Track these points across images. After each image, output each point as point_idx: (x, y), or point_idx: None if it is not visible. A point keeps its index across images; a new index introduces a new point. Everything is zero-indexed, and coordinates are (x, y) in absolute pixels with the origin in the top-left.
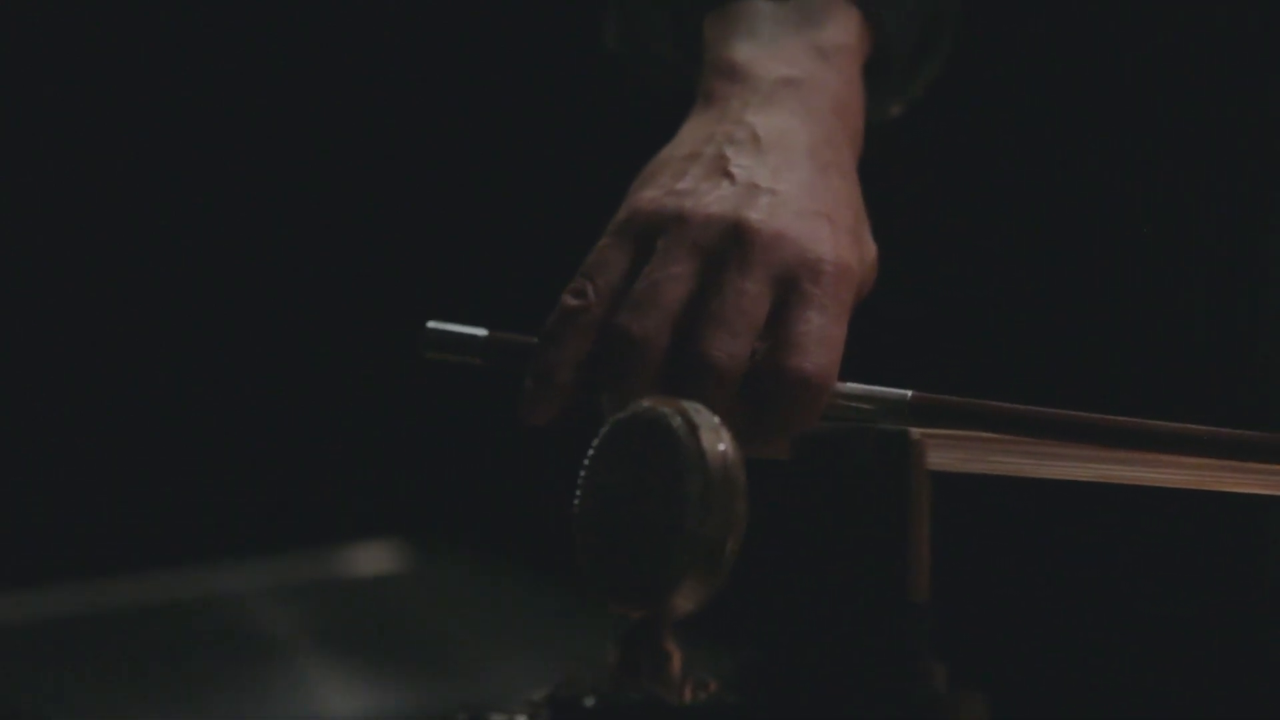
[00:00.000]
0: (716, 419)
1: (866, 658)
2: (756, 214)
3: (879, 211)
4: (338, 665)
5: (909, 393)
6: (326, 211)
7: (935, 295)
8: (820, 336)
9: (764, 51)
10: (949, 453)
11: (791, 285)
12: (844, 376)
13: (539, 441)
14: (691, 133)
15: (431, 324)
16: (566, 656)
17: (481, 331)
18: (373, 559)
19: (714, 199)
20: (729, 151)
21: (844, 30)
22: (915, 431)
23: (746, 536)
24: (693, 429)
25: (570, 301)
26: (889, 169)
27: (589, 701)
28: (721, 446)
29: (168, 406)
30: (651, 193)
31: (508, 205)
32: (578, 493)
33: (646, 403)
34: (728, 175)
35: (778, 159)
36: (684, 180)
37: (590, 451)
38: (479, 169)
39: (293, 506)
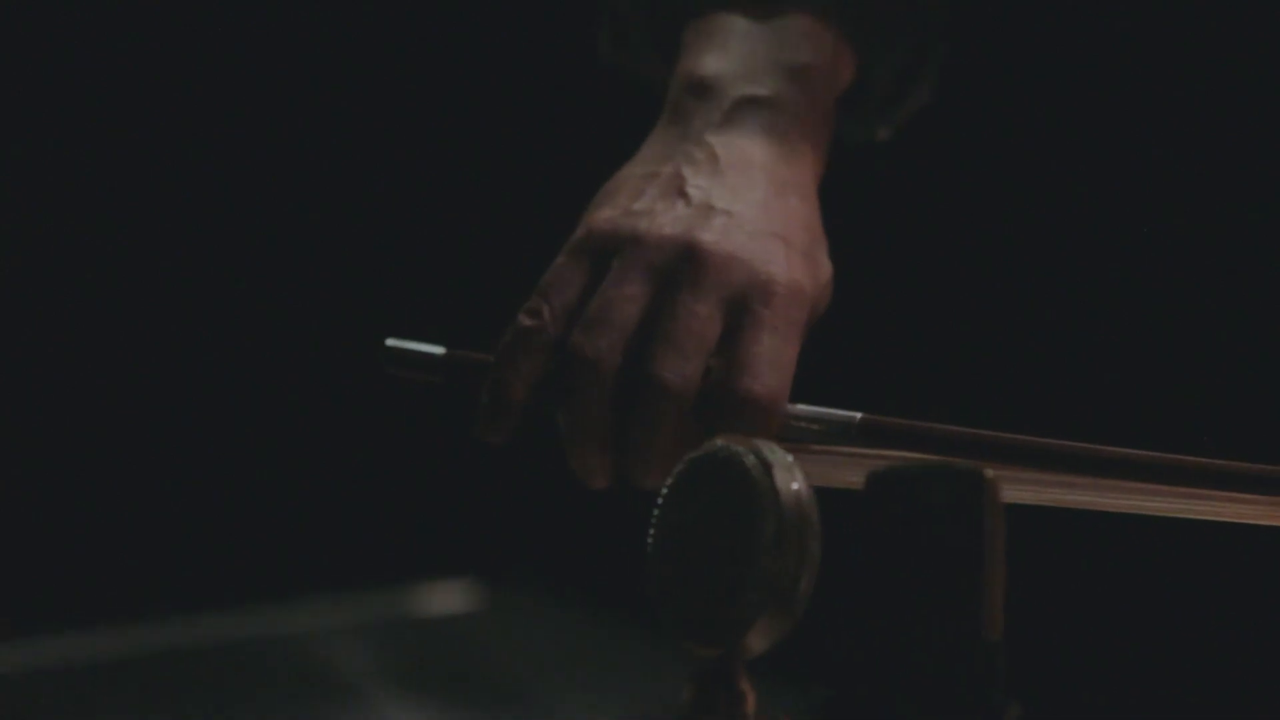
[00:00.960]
0: (790, 457)
1: (941, 696)
2: (710, 235)
3: (856, 230)
4: (410, 704)
5: (858, 414)
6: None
7: (903, 314)
8: (771, 358)
9: (733, 68)
10: (1018, 488)
11: (743, 306)
12: (808, 396)
13: (615, 479)
14: (652, 150)
15: (390, 341)
16: (640, 696)
17: (439, 349)
18: (446, 598)
19: (669, 220)
20: (686, 171)
21: (816, 52)
22: (989, 469)
23: (820, 575)
24: (766, 467)
25: (525, 321)
26: (860, 185)
27: None
28: (795, 485)
29: (243, 445)
30: (607, 212)
31: (489, 219)
32: (651, 531)
33: (720, 441)
34: (683, 195)
35: (735, 179)
36: (640, 200)
37: (664, 490)
38: (458, 181)
39: (366, 545)
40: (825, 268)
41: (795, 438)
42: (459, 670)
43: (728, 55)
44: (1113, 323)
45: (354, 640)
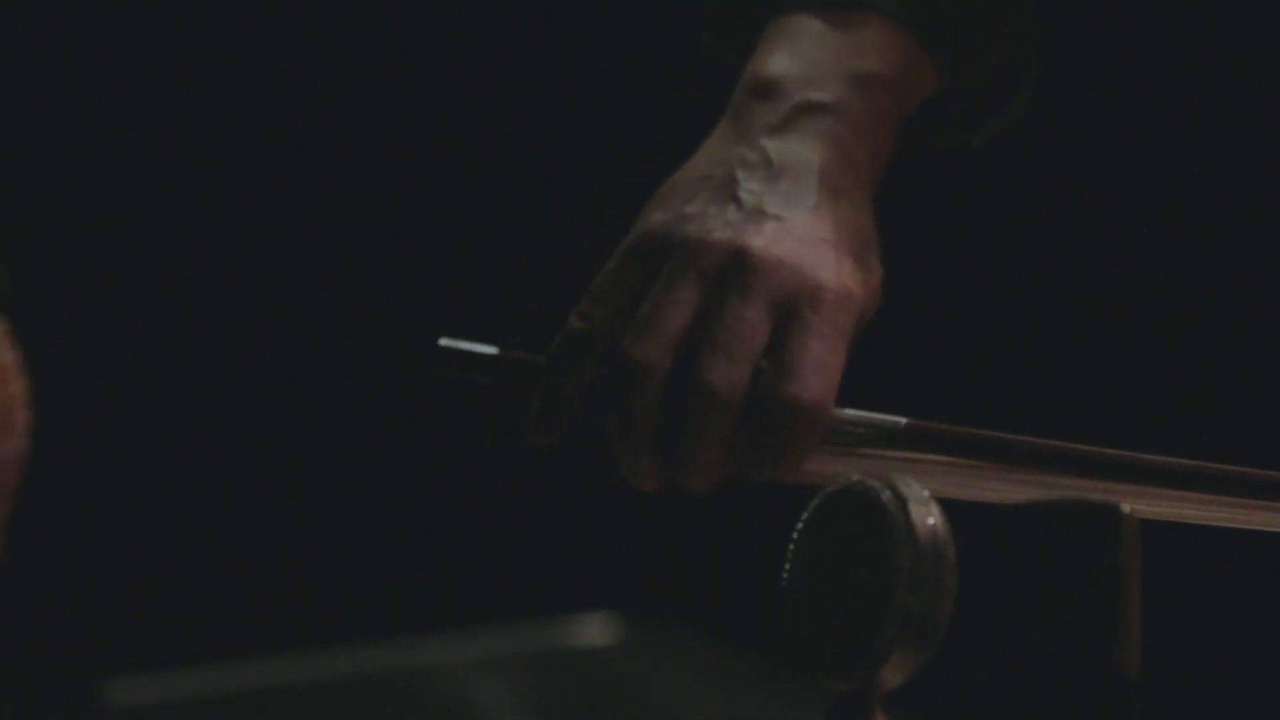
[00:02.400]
0: (926, 492)
1: None
2: (759, 240)
3: (912, 235)
4: None
5: (903, 420)
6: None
7: (957, 320)
8: (818, 364)
9: (798, 71)
10: (1152, 503)
11: (791, 312)
12: (856, 400)
13: (752, 515)
14: (708, 152)
15: (444, 341)
16: None
17: (492, 350)
18: (588, 631)
19: (719, 224)
20: (740, 175)
21: (887, 61)
22: (1126, 505)
23: (956, 609)
24: (902, 503)
25: (576, 324)
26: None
27: None
28: (931, 520)
29: (391, 479)
30: (660, 216)
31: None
32: (787, 565)
33: (856, 476)
34: (735, 200)
35: (788, 184)
36: (692, 204)
37: (800, 524)
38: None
39: (509, 579)
40: (875, 272)
41: (842, 442)
42: (598, 703)
43: (795, 57)
44: (1131, 324)
45: (496, 673)
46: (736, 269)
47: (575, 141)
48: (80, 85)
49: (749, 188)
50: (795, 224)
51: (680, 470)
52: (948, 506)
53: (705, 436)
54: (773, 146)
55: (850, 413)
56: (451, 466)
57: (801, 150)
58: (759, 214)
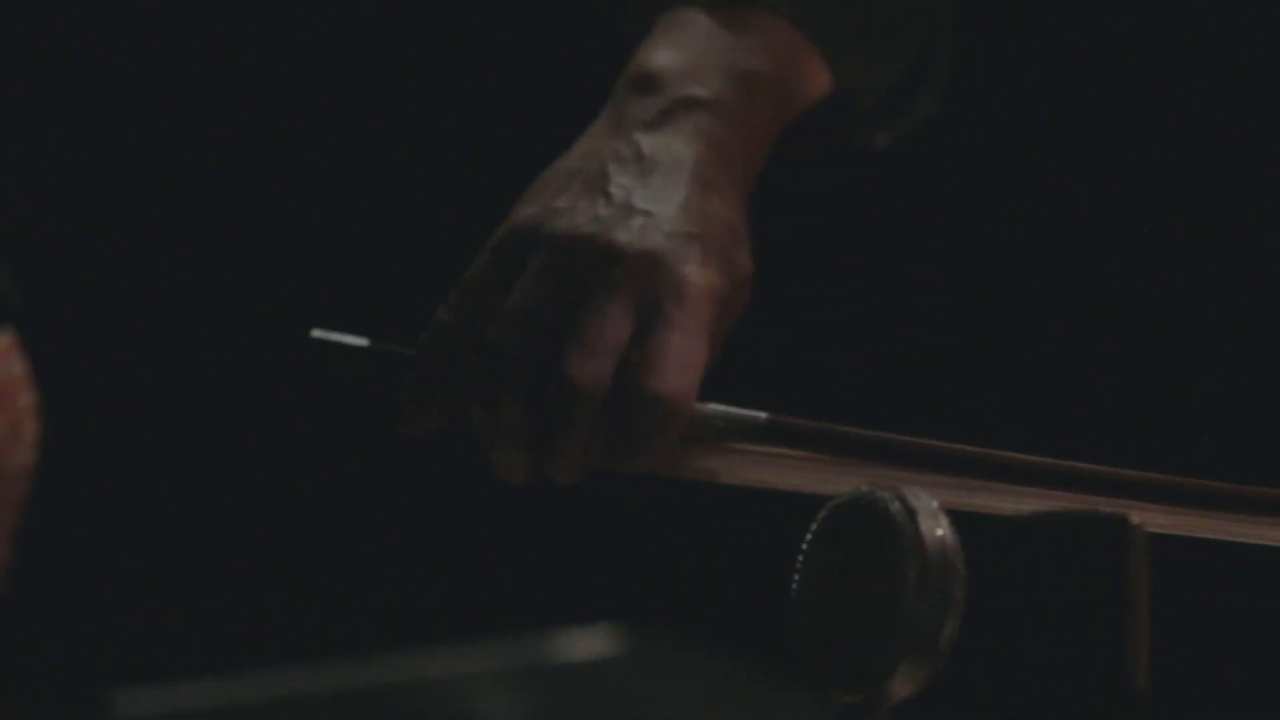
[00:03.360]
0: (935, 503)
1: None
2: (625, 235)
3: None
4: None
5: (764, 414)
6: None
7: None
8: (679, 358)
9: (681, 65)
10: (1163, 517)
11: (655, 306)
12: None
13: (755, 526)
14: (584, 145)
15: (316, 332)
16: None
17: (362, 341)
18: (591, 643)
19: (587, 219)
20: (612, 169)
21: (773, 60)
22: (1135, 515)
23: (963, 621)
24: (910, 514)
25: (444, 317)
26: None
27: None
28: (940, 531)
29: (391, 490)
30: (530, 210)
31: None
32: (795, 576)
33: (864, 487)
34: (605, 195)
35: (659, 180)
36: (562, 198)
37: (808, 535)
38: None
39: (511, 591)
40: (742, 267)
41: (704, 436)
42: (601, 715)
43: (680, 51)
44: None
45: (499, 685)
46: (601, 264)
47: (460, 135)
48: (85, 97)
49: (620, 182)
50: (663, 219)
51: (546, 462)
52: (956, 518)
53: (568, 429)
54: (646, 141)
55: (712, 407)
56: (455, 478)
57: (675, 145)
58: (627, 209)
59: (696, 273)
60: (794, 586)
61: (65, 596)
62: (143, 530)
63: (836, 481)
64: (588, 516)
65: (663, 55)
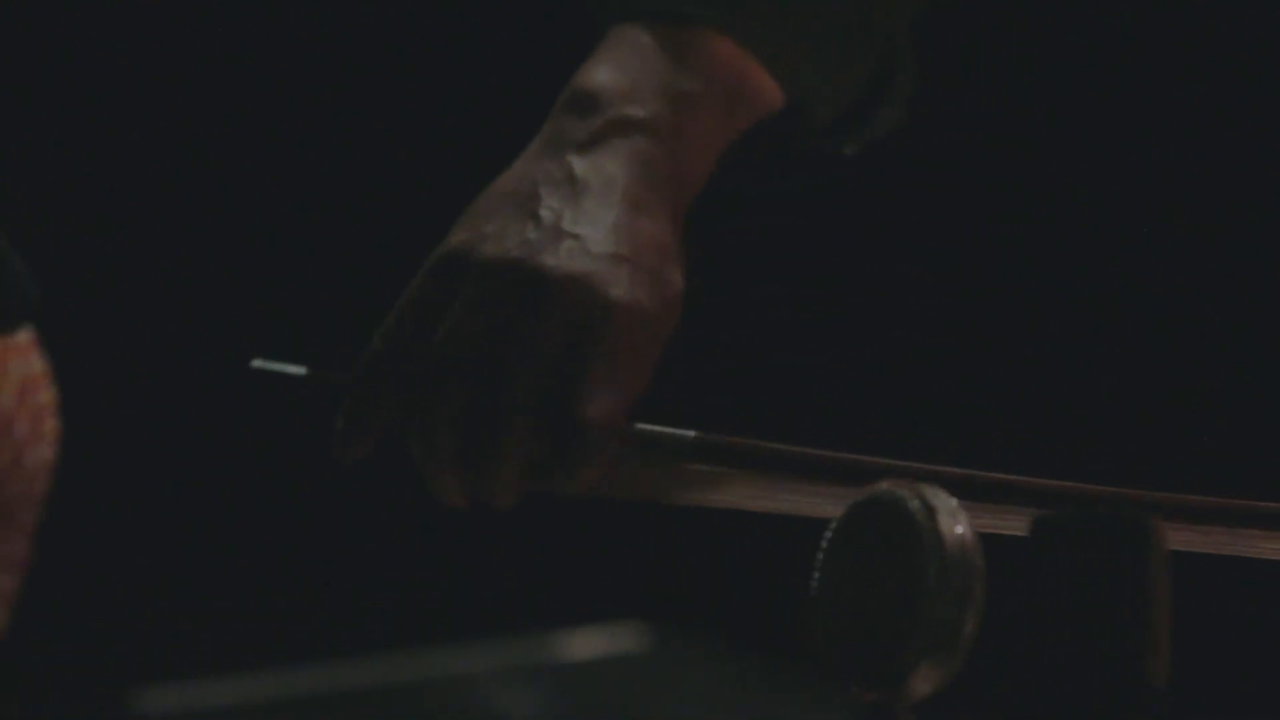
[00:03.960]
0: (954, 502)
1: None
2: (552, 259)
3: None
4: None
5: (692, 433)
6: None
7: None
8: (607, 380)
9: (618, 85)
10: (1187, 535)
11: (582, 330)
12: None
13: (779, 524)
14: (518, 167)
15: (256, 362)
16: None
17: (300, 370)
18: (609, 641)
19: (515, 244)
20: (542, 192)
21: (714, 79)
22: (1155, 516)
23: (984, 619)
24: (930, 512)
25: (378, 344)
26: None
27: None
28: (959, 529)
29: (418, 486)
30: (461, 235)
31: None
32: (815, 575)
33: (884, 485)
34: (535, 217)
35: (590, 202)
36: (492, 223)
37: (827, 534)
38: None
39: (534, 587)
40: (672, 286)
41: (635, 457)
42: (626, 712)
43: (619, 70)
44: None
45: (524, 681)
46: (529, 288)
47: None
48: (105, 99)
49: (549, 205)
50: (592, 241)
51: (481, 486)
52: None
53: (499, 453)
54: (579, 163)
55: (642, 427)
56: None
57: (608, 166)
58: (556, 232)
59: (625, 295)
60: (814, 585)
61: (86, 594)
62: (162, 528)
63: (775, 498)
64: (607, 514)
65: (600, 74)
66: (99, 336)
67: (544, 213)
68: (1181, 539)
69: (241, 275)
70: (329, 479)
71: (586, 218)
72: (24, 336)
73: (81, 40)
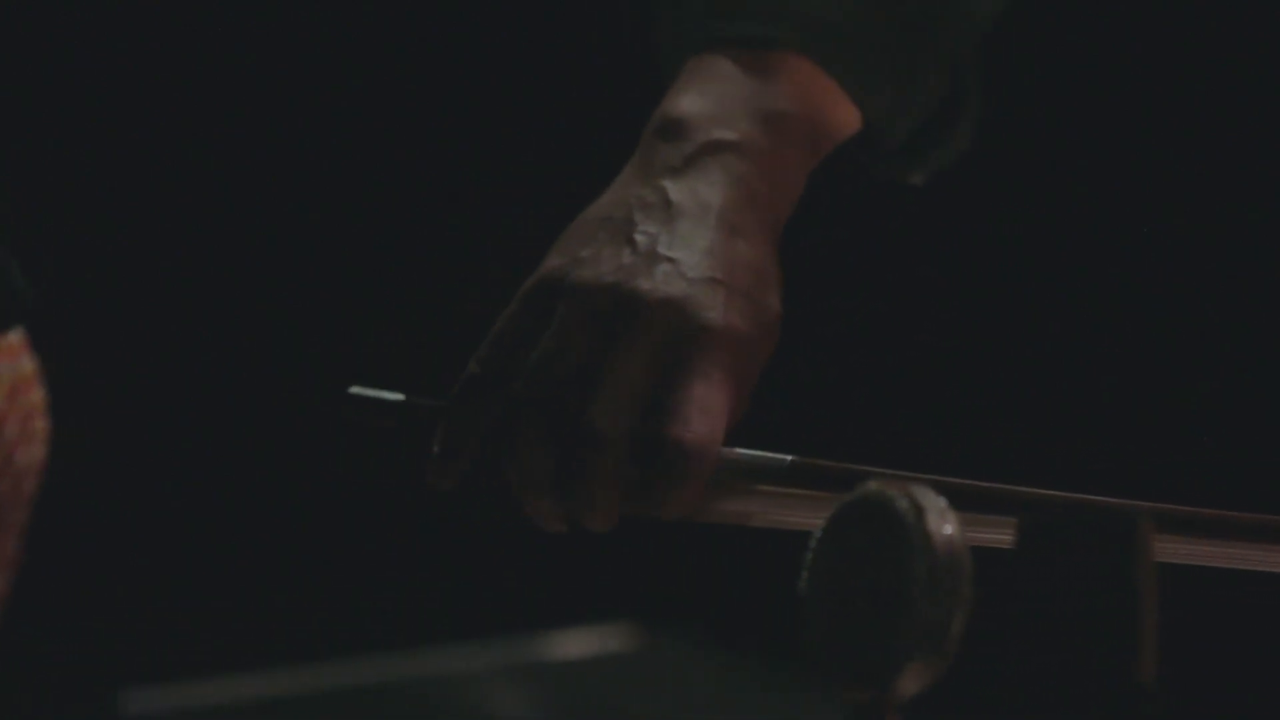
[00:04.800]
0: (943, 501)
1: None
2: (648, 283)
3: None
4: None
5: (788, 457)
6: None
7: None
8: (702, 405)
9: (707, 110)
10: (1177, 545)
11: (678, 353)
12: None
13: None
14: (611, 193)
15: (354, 389)
16: None
17: (398, 396)
18: (602, 640)
19: (610, 268)
20: (638, 217)
21: (799, 100)
22: (1143, 516)
23: (972, 618)
24: (919, 512)
25: (474, 369)
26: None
27: None
28: (948, 529)
29: (408, 485)
30: (557, 260)
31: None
32: (803, 575)
33: (873, 485)
34: (630, 242)
35: (685, 225)
36: (588, 248)
37: (816, 534)
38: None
39: (524, 587)
40: (769, 310)
41: (731, 481)
42: (615, 712)
43: (705, 97)
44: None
45: (514, 681)
46: (624, 312)
47: (491, 189)
48: (101, 99)
49: (645, 230)
50: (687, 265)
51: (578, 511)
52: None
53: (596, 478)
54: (673, 187)
55: (738, 452)
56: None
57: (701, 190)
58: (652, 256)
59: (720, 319)
60: (803, 584)
61: (75, 595)
62: (150, 529)
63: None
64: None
65: (688, 101)
66: (89, 338)
67: (639, 237)
68: (1172, 551)
69: (232, 275)
70: (323, 477)
71: (681, 241)
72: (15, 337)
73: (79, 40)
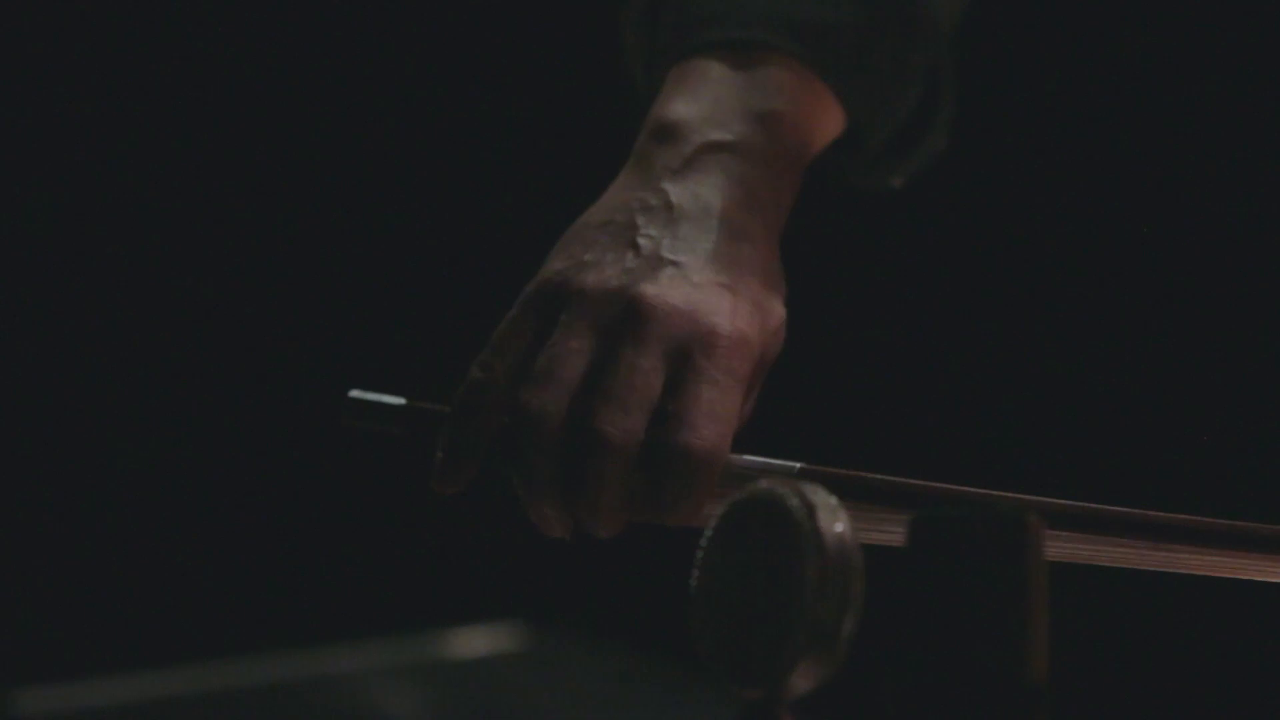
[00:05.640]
0: (834, 499)
1: None
2: (654, 288)
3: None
4: None
5: (797, 464)
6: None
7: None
8: (710, 411)
9: (700, 113)
10: (1063, 545)
11: (685, 359)
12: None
13: (655, 524)
14: (610, 198)
15: (354, 393)
16: None
17: (399, 401)
18: (489, 640)
19: (615, 272)
20: (640, 220)
21: (790, 100)
22: (1032, 514)
23: (864, 616)
24: (810, 509)
25: (476, 374)
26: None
27: None
28: (839, 527)
29: (289, 486)
30: (558, 264)
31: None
32: (694, 573)
33: (764, 483)
34: (634, 246)
35: (688, 228)
36: (591, 251)
37: (707, 532)
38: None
39: (410, 587)
40: (775, 315)
41: (736, 488)
42: (502, 712)
43: (697, 100)
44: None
45: (397, 681)
46: (630, 317)
47: (486, 192)
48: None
49: (648, 233)
50: (692, 269)
51: (583, 517)
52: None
53: (602, 485)
54: (674, 190)
55: (747, 458)
56: (355, 474)
57: (703, 192)
58: (656, 260)
59: (727, 323)
60: (694, 582)
61: None
62: (39, 528)
63: (873, 527)
64: (488, 512)
65: (681, 105)
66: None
67: (642, 240)
68: (1071, 552)
69: (234, 279)
70: (213, 475)
71: (685, 245)
72: None
73: (79, 39)
